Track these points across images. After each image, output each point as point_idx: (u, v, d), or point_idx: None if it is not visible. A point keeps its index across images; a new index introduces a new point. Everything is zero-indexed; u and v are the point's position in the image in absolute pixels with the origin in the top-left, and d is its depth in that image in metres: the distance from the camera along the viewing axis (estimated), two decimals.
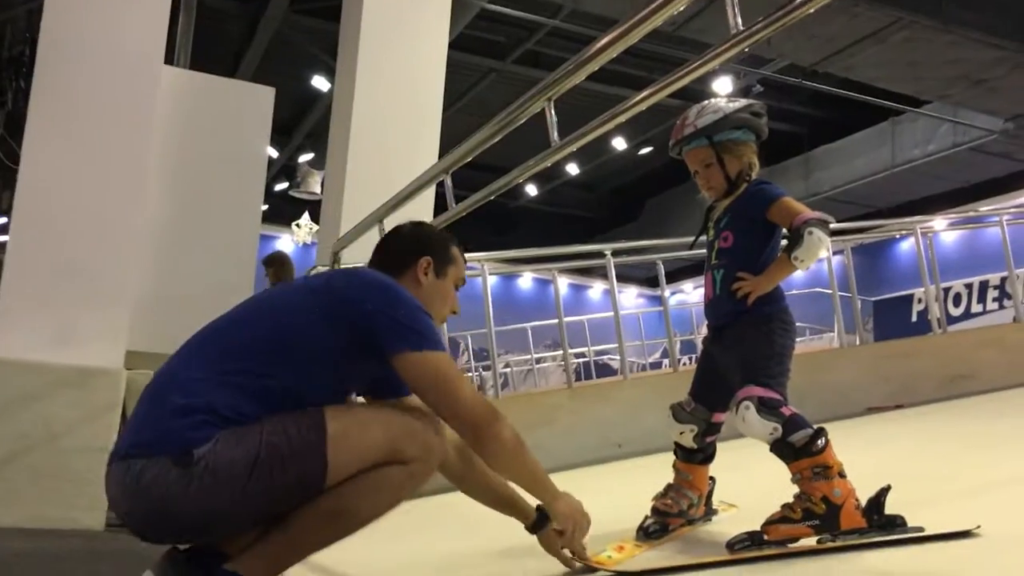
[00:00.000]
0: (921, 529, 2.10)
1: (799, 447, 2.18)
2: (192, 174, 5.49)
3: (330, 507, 1.79)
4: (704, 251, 2.59)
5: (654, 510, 2.56)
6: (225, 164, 5.72)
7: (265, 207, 16.96)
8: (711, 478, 2.69)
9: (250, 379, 1.80)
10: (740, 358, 2.38)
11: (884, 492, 2.15)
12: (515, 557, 2.41)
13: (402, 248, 2.15)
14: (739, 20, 1.89)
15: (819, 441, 2.18)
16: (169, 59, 5.95)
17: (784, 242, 2.40)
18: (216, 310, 5.51)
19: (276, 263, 6.10)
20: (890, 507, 2.14)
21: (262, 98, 5.69)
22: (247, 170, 5.72)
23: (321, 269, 4.95)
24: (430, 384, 1.88)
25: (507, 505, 2.22)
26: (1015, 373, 6.51)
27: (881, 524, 2.13)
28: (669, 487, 2.61)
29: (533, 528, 2.21)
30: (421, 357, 1.87)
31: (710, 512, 2.72)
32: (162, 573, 1.90)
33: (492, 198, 3.03)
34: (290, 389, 1.82)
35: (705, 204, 2.61)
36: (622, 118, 2.52)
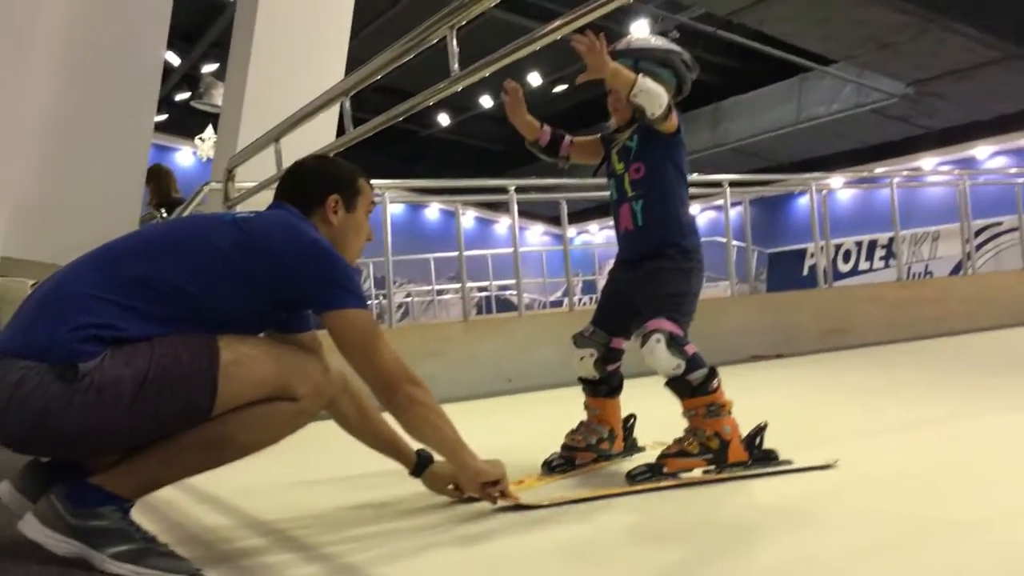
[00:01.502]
0: (790, 462, 2.34)
1: (696, 385, 2.31)
2: (81, 75, 5.19)
3: (212, 434, 1.75)
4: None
5: (563, 446, 2.60)
6: (118, 67, 5.42)
7: (165, 116, 16.34)
8: (631, 415, 2.74)
9: (156, 312, 1.74)
10: (657, 289, 2.44)
11: (761, 429, 2.36)
12: (384, 486, 2.44)
13: (308, 187, 2.08)
14: None
15: (714, 381, 2.32)
16: None
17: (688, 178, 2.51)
18: (101, 221, 5.29)
19: (155, 177, 5.82)
20: (768, 445, 2.36)
21: (159, 5, 5.39)
22: (141, 75, 5.44)
23: (215, 186, 4.79)
24: (354, 344, 1.89)
25: (390, 448, 2.24)
26: (891, 329, 6.85)
27: (759, 458, 2.34)
28: (580, 423, 2.65)
29: (415, 471, 2.25)
30: (348, 315, 1.88)
31: (634, 449, 2.75)
32: (20, 485, 1.85)
33: (393, 124, 2.96)
34: (199, 332, 1.78)
35: (605, 131, 2.65)
36: (527, 50, 2.49)
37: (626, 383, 2.69)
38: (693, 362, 2.30)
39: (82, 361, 1.64)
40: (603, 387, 2.63)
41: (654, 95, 2.32)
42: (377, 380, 1.92)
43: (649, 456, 2.71)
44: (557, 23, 2.41)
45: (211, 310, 1.80)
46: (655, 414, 2.76)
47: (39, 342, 1.67)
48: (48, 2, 4.78)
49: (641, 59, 2.46)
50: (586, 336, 2.60)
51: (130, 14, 5.42)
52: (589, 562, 1.75)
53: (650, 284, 2.47)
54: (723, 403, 2.32)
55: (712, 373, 2.32)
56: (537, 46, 2.49)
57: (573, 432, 2.64)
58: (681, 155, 2.52)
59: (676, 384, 2.32)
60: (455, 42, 2.49)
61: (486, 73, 2.48)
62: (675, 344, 2.29)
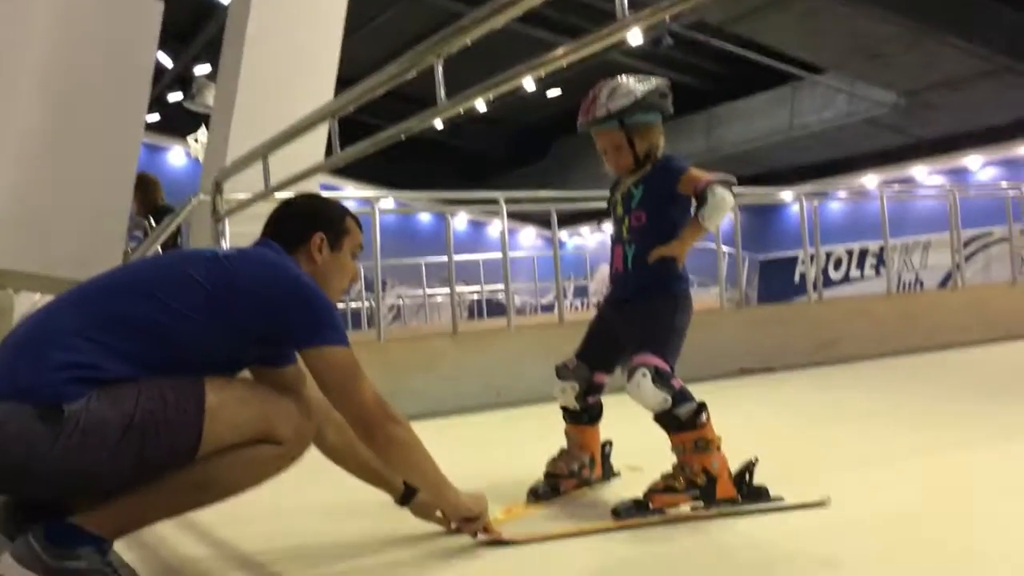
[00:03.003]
0: (781, 499, 2.31)
1: (684, 420, 2.30)
2: (68, 77, 5.15)
3: (195, 477, 1.76)
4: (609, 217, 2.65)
5: (546, 474, 2.63)
6: (107, 70, 5.37)
7: (157, 117, 16.26)
8: (608, 442, 2.77)
9: (137, 350, 1.74)
10: (643, 326, 2.45)
11: (752, 465, 2.34)
12: (367, 515, 2.44)
13: (295, 225, 2.10)
14: (626, 9, 1.88)
15: (702, 416, 2.31)
16: None
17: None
18: (88, 229, 5.21)
19: (140, 186, 5.78)
20: (757, 475, 2.34)
21: (150, 11, 5.35)
22: (130, 86, 5.40)
23: (204, 198, 4.77)
24: (334, 381, 1.89)
25: (376, 478, 2.24)
26: (880, 343, 6.86)
27: (748, 494, 2.32)
28: (561, 451, 2.68)
29: (402, 500, 2.25)
30: (329, 352, 1.88)
31: (609, 474, 2.79)
32: None
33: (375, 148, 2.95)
34: (181, 371, 1.78)
35: (610, 178, 2.66)
36: (513, 84, 2.49)
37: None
38: (680, 396, 2.30)
39: (67, 402, 1.63)
40: (584, 416, 2.67)
41: (720, 211, 2.38)
42: (358, 419, 1.92)
43: (624, 480, 2.78)
44: (559, 52, 2.36)
45: (193, 347, 1.80)
46: (630, 437, 2.81)
47: (22, 382, 1.66)
48: (36, 3, 4.75)
49: (625, 117, 2.46)
50: (569, 369, 2.62)
51: (120, 16, 5.38)
52: None
53: (636, 321, 2.49)
54: (711, 438, 2.31)
55: (701, 408, 2.31)
56: (517, 81, 2.46)
57: (555, 459, 2.66)
58: (684, 209, 2.52)
59: (664, 419, 2.32)
60: (440, 71, 2.48)
61: (471, 103, 2.46)
62: (661, 379, 2.29)
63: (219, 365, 1.85)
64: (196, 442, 1.72)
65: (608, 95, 2.46)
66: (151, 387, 1.71)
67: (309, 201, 2.23)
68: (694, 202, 2.44)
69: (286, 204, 2.20)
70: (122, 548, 2.13)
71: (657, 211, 2.50)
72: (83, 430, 1.63)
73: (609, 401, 2.71)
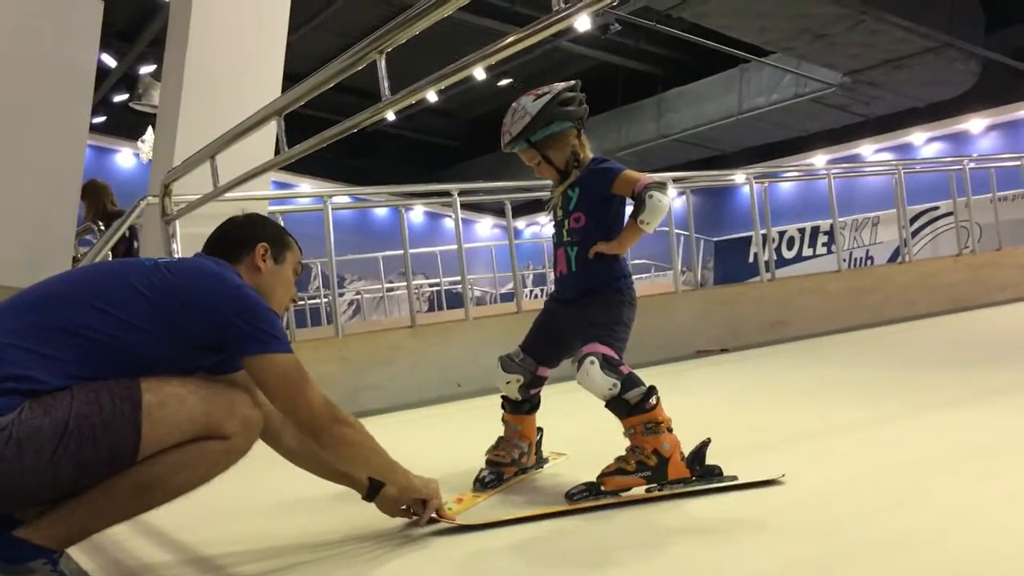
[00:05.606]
0: (735, 478, 2.37)
1: (633, 404, 2.36)
2: (7, 87, 5.06)
3: (141, 479, 1.73)
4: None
5: (488, 462, 2.68)
6: (48, 72, 5.28)
7: (103, 119, 15.89)
8: (539, 428, 2.83)
9: (77, 360, 1.72)
10: (590, 320, 2.52)
11: (705, 445, 2.40)
12: (324, 510, 2.46)
13: (238, 236, 2.12)
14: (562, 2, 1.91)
15: (651, 399, 2.37)
16: None
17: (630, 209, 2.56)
18: (34, 234, 5.11)
19: (90, 193, 5.69)
20: (710, 456, 2.39)
21: (89, 10, 5.27)
22: (72, 87, 5.32)
23: (152, 201, 4.72)
24: (278, 388, 1.88)
25: (342, 476, 2.25)
26: (830, 320, 7.00)
27: (702, 474, 2.38)
28: (500, 440, 2.73)
29: (368, 496, 2.25)
30: (271, 360, 1.87)
31: (541, 461, 2.87)
32: None
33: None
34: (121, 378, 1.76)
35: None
36: (462, 74, 2.51)
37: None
38: (629, 381, 2.36)
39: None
40: (525, 405, 2.73)
41: (658, 215, 2.44)
42: (304, 424, 1.92)
43: (555, 466, 2.86)
44: (509, 40, 2.40)
45: (134, 356, 1.78)
46: (556, 427, 2.90)
47: None
48: None
49: (531, 136, 2.54)
50: (515, 361, 2.68)
51: (59, 17, 5.28)
52: None
53: (583, 315, 2.56)
54: (661, 420, 2.37)
55: (650, 392, 2.37)
56: (463, 75, 2.48)
57: (495, 448, 2.72)
58: (621, 208, 2.60)
59: (614, 404, 2.38)
60: (383, 66, 2.48)
61: (417, 97, 2.47)
62: (609, 365, 2.35)
63: (163, 374, 1.83)
64: (136, 443, 1.70)
65: (511, 119, 2.56)
66: (85, 392, 1.69)
67: (251, 217, 2.25)
68: (632, 203, 2.52)
69: (229, 220, 2.20)
70: (80, 556, 2.12)
71: (594, 211, 2.58)
72: (17, 441, 1.60)
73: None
